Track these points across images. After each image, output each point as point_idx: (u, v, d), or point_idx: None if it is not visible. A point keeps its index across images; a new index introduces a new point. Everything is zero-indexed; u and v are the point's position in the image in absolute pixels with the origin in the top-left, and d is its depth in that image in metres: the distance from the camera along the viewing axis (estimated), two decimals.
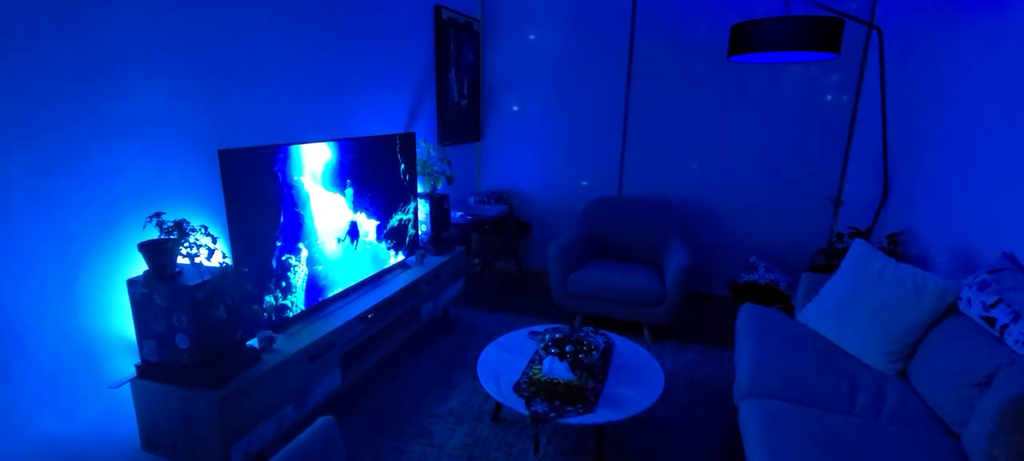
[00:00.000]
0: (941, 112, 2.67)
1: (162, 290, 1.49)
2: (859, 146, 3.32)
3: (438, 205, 3.01)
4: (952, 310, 1.91)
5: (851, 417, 1.71)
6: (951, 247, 2.42)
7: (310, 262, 2.12)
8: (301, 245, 2.06)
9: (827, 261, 3.07)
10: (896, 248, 2.86)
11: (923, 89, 2.89)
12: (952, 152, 2.52)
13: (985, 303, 1.74)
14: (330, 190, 2.20)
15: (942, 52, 2.72)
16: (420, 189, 3.16)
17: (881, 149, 3.23)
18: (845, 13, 2.61)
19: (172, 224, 1.55)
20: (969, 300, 1.83)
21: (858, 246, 2.26)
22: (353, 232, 2.37)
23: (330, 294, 2.25)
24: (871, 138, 3.27)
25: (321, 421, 1.22)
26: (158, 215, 1.53)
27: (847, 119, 3.32)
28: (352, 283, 2.39)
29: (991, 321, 1.70)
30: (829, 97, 3.33)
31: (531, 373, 1.91)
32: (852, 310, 2.12)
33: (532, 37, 3.90)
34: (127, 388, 1.69)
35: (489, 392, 1.90)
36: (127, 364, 1.68)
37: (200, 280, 1.52)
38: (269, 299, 1.92)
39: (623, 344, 2.27)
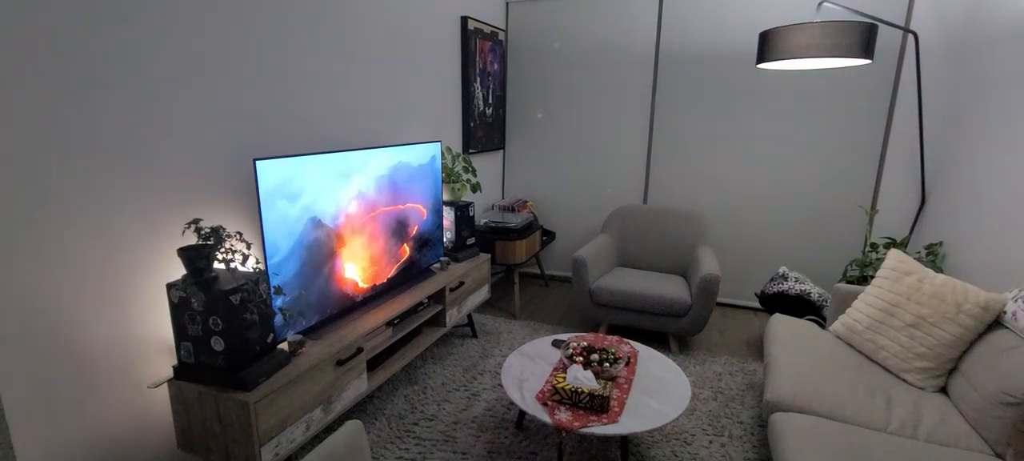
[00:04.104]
0: (980, 119, 2.57)
1: (199, 294, 1.55)
2: (895, 154, 3.22)
3: (463, 213, 3.04)
4: (996, 324, 1.84)
5: (887, 435, 1.66)
6: (993, 258, 2.33)
7: (338, 267, 2.16)
8: (330, 251, 2.11)
9: (861, 272, 2.99)
10: (934, 259, 2.76)
11: (962, 95, 2.79)
12: (993, 159, 2.43)
13: None
14: (359, 197, 2.24)
15: (981, 57, 2.63)
16: (446, 197, 3.20)
17: (918, 157, 3.13)
18: (879, 18, 2.55)
19: (209, 230, 1.61)
20: (1015, 314, 1.75)
21: (894, 257, 2.19)
22: (378, 239, 2.42)
23: (358, 300, 2.29)
24: (907, 146, 3.17)
25: (349, 424, 1.25)
26: (196, 221, 1.59)
27: (882, 126, 3.23)
28: (379, 289, 2.43)
29: None
30: (863, 104, 3.24)
31: (555, 381, 1.90)
32: (888, 323, 2.06)
33: (557, 45, 3.92)
34: (164, 388, 1.75)
35: (513, 399, 1.90)
36: (164, 365, 1.75)
37: (235, 284, 1.57)
38: (300, 304, 1.97)
39: (648, 354, 2.24)
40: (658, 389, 1.97)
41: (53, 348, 1.44)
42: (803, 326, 2.36)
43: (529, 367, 2.13)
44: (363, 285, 2.32)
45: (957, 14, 2.89)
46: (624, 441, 1.98)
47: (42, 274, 1.40)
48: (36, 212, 1.37)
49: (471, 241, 3.14)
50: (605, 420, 1.77)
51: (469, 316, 3.13)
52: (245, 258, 1.66)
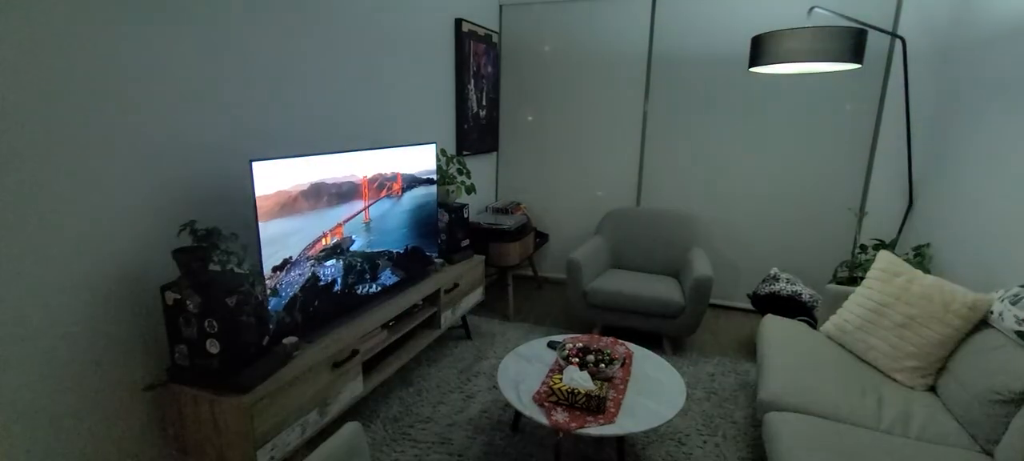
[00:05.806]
0: (966, 122, 2.63)
1: (194, 296, 1.54)
2: (883, 157, 3.27)
3: (457, 215, 3.04)
4: (983, 324, 1.87)
5: (878, 433, 1.69)
6: (980, 259, 2.37)
7: (335, 271, 2.15)
8: (326, 254, 2.10)
9: (850, 273, 3.03)
10: (922, 260, 2.81)
11: (948, 99, 2.85)
12: (980, 162, 2.48)
13: (1018, 317, 1.71)
14: (355, 200, 2.24)
15: (967, 62, 2.68)
16: (440, 199, 3.19)
17: (906, 160, 3.18)
18: (867, 23, 2.59)
19: (204, 232, 1.60)
20: (1001, 314, 1.79)
21: (883, 258, 2.23)
22: (376, 239, 2.41)
23: (354, 302, 2.28)
24: (895, 149, 3.23)
25: (348, 426, 1.24)
26: (192, 223, 1.58)
27: (871, 129, 3.29)
28: (374, 291, 2.42)
29: None
30: (851, 107, 3.29)
31: (552, 382, 1.91)
32: (878, 324, 2.09)
33: (548, 49, 3.93)
34: (159, 391, 1.73)
35: (510, 400, 1.91)
36: (159, 368, 1.73)
37: (231, 287, 1.56)
38: (296, 306, 1.96)
39: (643, 354, 2.26)
40: (653, 389, 1.99)
41: (47, 350, 1.42)
42: (795, 326, 2.39)
43: (525, 368, 2.14)
44: (358, 287, 2.31)
45: (943, 19, 2.95)
46: (620, 441, 2.00)
47: (35, 274, 1.38)
48: (29, 211, 1.35)
49: (465, 243, 3.14)
50: (602, 421, 1.78)
51: (463, 318, 3.13)
52: (241, 260, 1.65)
